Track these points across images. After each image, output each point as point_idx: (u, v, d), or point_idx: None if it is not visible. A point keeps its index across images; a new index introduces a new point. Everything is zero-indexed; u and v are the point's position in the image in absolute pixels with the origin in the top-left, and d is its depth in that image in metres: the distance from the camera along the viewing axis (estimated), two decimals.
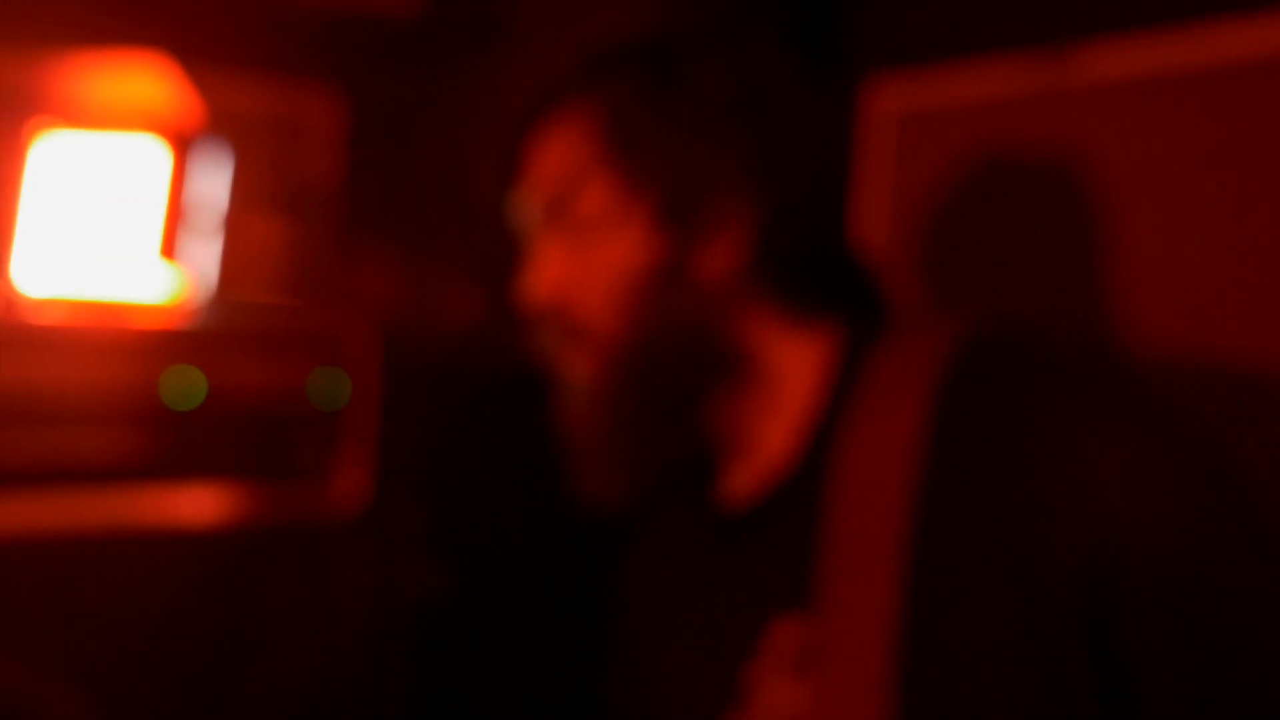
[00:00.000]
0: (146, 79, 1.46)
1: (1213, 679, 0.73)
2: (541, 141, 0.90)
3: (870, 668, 0.79)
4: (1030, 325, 0.83)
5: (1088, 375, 0.82)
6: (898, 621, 0.79)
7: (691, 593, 0.97)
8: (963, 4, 1.55)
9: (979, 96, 1.49)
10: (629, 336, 0.88)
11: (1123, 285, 1.30)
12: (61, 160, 1.44)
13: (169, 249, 1.46)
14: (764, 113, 0.88)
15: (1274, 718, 0.73)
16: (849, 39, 1.71)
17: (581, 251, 0.89)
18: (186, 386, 1.46)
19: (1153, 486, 0.76)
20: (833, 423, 0.88)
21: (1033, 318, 1.39)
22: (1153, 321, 1.27)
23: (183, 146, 1.45)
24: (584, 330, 0.89)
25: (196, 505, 1.45)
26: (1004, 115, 1.46)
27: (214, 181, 1.52)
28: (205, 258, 1.48)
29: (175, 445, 1.45)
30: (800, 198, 0.89)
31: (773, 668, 0.85)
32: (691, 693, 0.93)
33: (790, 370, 0.90)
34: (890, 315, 0.93)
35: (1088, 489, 0.75)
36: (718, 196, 0.87)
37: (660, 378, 0.89)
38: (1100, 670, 0.75)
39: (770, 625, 0.85)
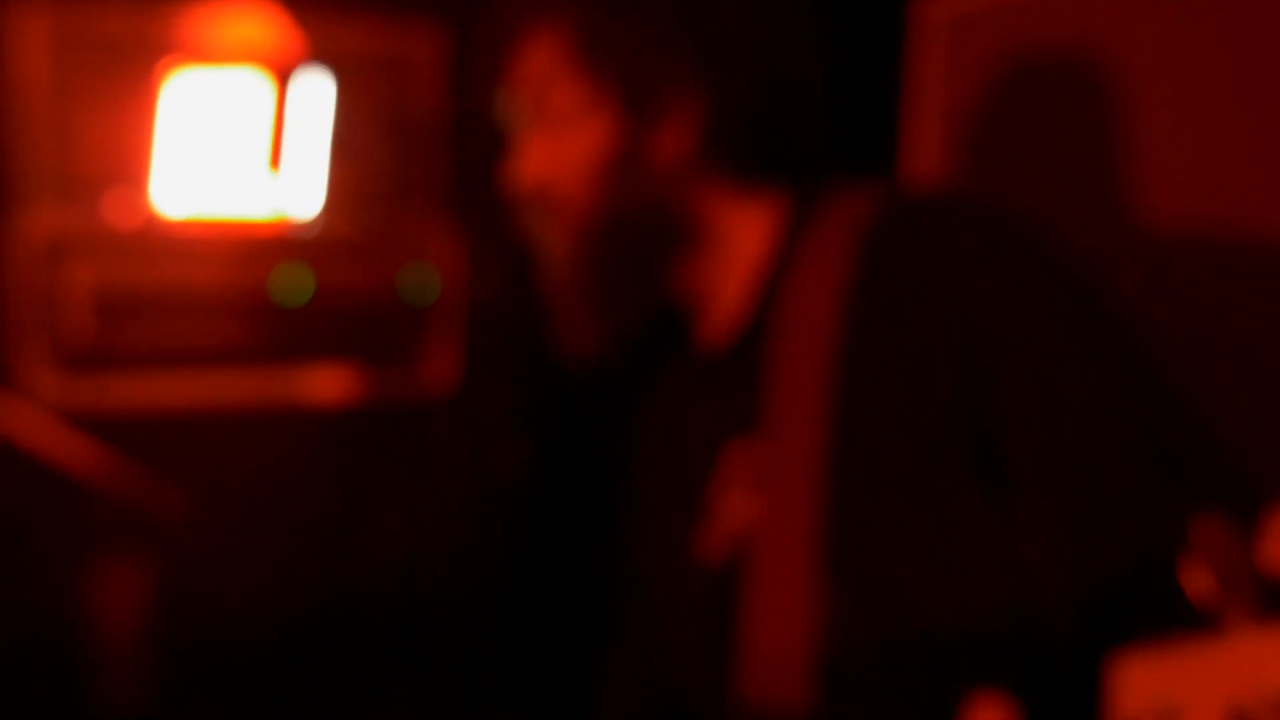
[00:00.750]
0: (256, 19, 1.67)
1: (1059, 445, 0.90)
2: (524, 51, 1.08)
3: (806, 477, 0.95)
4: (947, 189, 0.96)
5: (985, 229, 0.97)
6: (827, 437, 0.95)
7: (676, 431, 1.14)
8: None
9: None
10: (598, 212, 1.05)
11: (1164, 168, 1.38)
12: (188, 95, 1.66)
13: (279, 167, 1.68)
14: (707, 19, 1.03)
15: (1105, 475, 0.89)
16: None
17: (557, 142, 1.06)
18: (296, 285, 1.69)
19: (1020, 304, 0.92)
20: (779, 278, 1.03)
21: (1076, 204, 1.49)
22: (1190, 199, 1.36)
23: (286, 77, 1.67)
24: (561, 208, 1.06)
25: (307, 387, 1.67)
26: (1050, 13, 1.54)
27: (320, 108, 1.73)
28: (312, 175, 1.70)
29: (286, 335, 1.68)
30: (744, 89, 1.04)
31: (729, 482, 1.01)
32: (672, 514, 1.10)
33: (741, 235, 1.06)
34: (831, 182, 1.07)
35: (967, 307, 0.93)
36: (669, 91, 1.03)
37: (626, 246, 1.06)
38: (975, 442, 0.91)
39: (727, 448, 1.02)
